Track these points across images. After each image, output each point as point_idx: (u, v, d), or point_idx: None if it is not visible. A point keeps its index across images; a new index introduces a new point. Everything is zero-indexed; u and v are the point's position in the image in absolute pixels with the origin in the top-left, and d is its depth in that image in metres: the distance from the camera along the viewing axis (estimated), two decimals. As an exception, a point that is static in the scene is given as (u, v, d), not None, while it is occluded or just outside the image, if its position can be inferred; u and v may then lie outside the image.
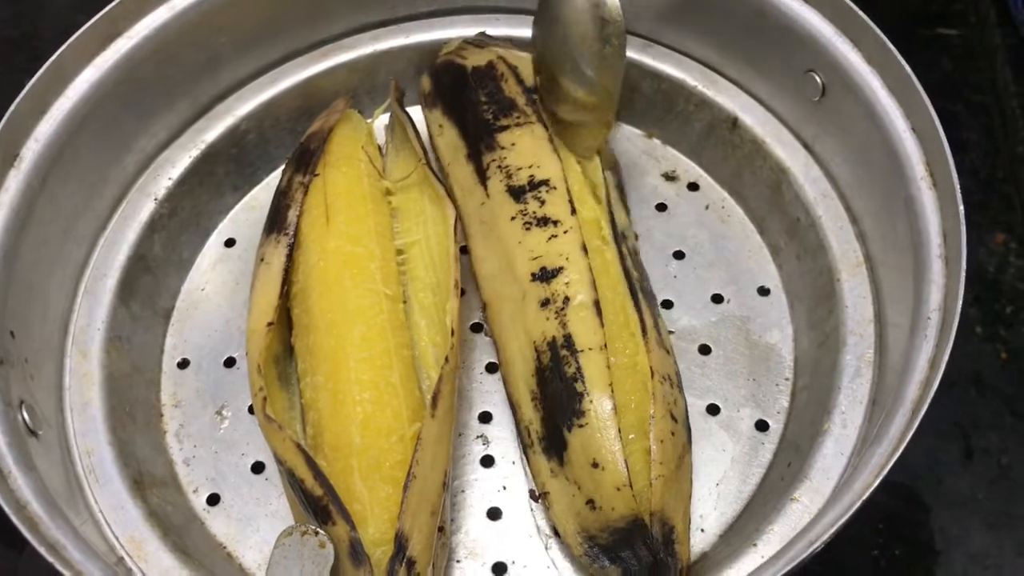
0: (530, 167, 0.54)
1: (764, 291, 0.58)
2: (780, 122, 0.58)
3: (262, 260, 0.53)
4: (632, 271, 0.53)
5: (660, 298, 0.57)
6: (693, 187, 0.62)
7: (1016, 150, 0.73)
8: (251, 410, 0.54)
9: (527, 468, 0.51)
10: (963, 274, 0.43)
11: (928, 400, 0.41)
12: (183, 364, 0.57)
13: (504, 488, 0.52)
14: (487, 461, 0.53)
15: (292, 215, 0.54)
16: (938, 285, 0.45)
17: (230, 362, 0.57)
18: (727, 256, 0.59)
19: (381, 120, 0.62)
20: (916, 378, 0.43)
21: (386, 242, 0.54)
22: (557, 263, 0.51)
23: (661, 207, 0.61)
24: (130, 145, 0.57)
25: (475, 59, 0.60)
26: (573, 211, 0.53)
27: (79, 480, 0.49)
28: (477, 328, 0.57)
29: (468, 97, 0.58)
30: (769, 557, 0.43)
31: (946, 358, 0.42)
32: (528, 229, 0.52)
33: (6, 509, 0.41)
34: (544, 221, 0.52)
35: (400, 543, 0.44)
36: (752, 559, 0.46)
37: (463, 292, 0.58)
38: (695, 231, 0.60)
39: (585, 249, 0.51)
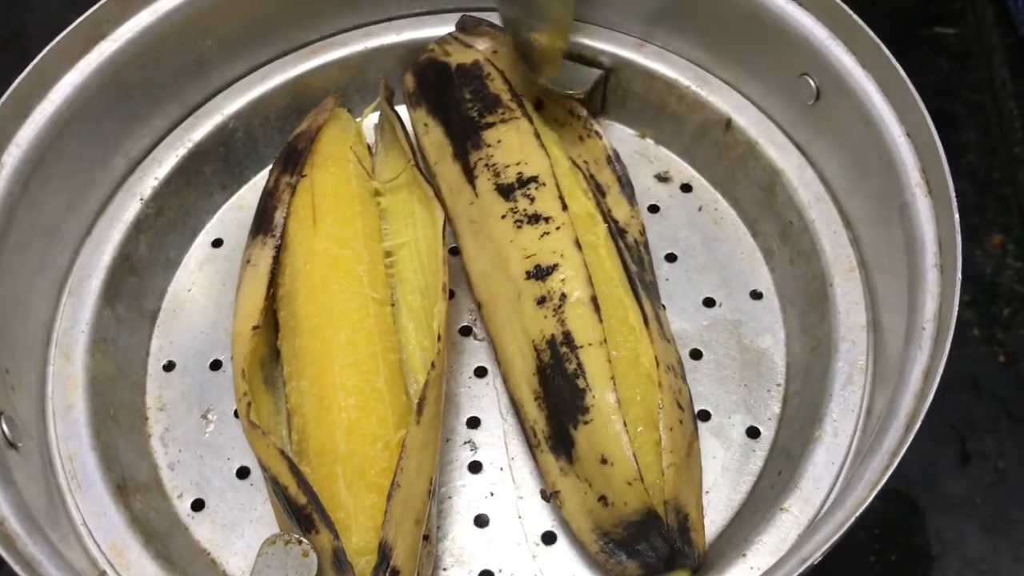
0: (518, 164, 0.54)
1: (757, 295, 0.57)
2: (774, 124, 0.58)
3: (248, 262, 0.52)
4: (631, 264, 0.52)
5: (652, 301, 0.57)
6: (686, 188, 0.61)
7: (1013, 151, 0.73)
8: (237, 414, 0.54)
9: (535, 467, 0.51)
10: (958, 284, 0.43)
11: (922, 413, 0.41)
12: (169, 367, 0.56)
13: (492, 495, 0.51)
14: (475, 467, 0.52)
15: (279, 216, 0.53)
16: (933, 295, 0.45)
17: (216, 365, 0.56)
18: (719, 259, 0.58)
19: (371, 119, 0.62)
20: (910, 390, 0.42)
21: (374, 244, 0.54)
22: (551, 260, 0.50)
23: (653, 208, 0.60)
24: (115, 148, 0.57)
25: (459, 56, 0.59)
26: (564, 207, 0.52)
27: (60, 488, 0.48)
28: (466, 331, 0.56)
29: (453, 95, 0.58)
30: (763, 572, 0.42)
31: (941, 370, 0.41)
32: (519, 227, 0.52)
33: (-18, 526, 0.41)
34: (535, 218, 0.52)
35: (384, 553, 0.43)
36: (741, 570, 0.45)
37: (452, 295, 0.57)
38: (687, 233, 0.59)
39: (579, 245, 0.50)
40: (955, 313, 0.42)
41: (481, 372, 0.55)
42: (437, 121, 0.58)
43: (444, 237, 0.52)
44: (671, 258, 0.58)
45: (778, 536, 0.46)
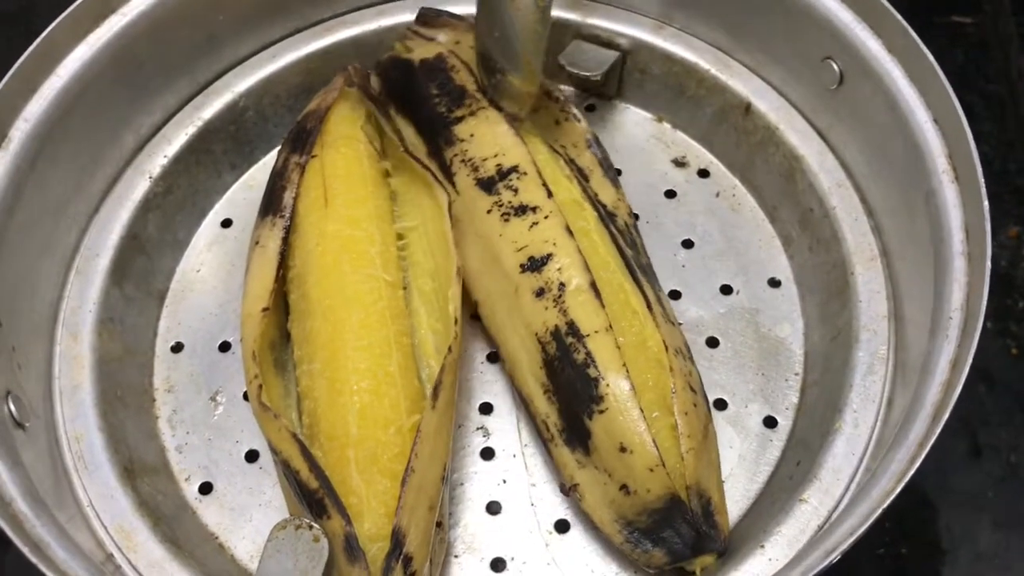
0: (495, 156, 0.53)
1: (775, 283, 0.56)
2: (795, 109, 0.57)
3: (257, 243, 0.52)
4: (625, 248, 0.52)
5: (667, 288, 0.56)
6: (703, 174, 0.60)
7: (1031, 141, 0.72)
8: (246, 396, 0.53)
9: (550, 457, 0.50)
10: (987, 272, 0.42)
11: (951, 404, 0.40)
12: (177, 348, 0.56)
13: (504, 482, 0.51)
14: (487, 454, 0.51)
15: (288, 197, 0.52)
16: (960, 283, 0.44)
17: (225, 346, 0.55)
18: (737, 246, 0.57)
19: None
20: (937, 380, 0.42)
21: (386, 226, 0.53)
22: (544, 250, 0.49)
23: (670, 194, 0.60)
24: (124, 125, 0.56)
25: (422, 51, 0.58)
26: (549, 194, 0.51)
27: (67, 470, 0.48)
28: (477, 316, 0.55)
29: (419, 92, 0.56)
30: (783, 564, 0.42)
31: (970, 360, 0.41)
32: (507, 220, 0.51)
33: (-10, 507, 0.40)
34: (522, 209, 0.51)
35: (397, 539, 0.43)
36: (759, 561, 0.45)
37: (462, 281, 0.56)
38: (704, 219, 0.58)
39: (570, 231, 0.49)
40: (984, 302, 0.41)
41: (493, 357, 0.54)
42: (407, 120, 0.57)
43: (450, 218, 0.51)
44: (688, 244, 0.58)
45: (796, 527, 0.45)
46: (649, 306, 0.49)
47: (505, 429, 0.52)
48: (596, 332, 0.47)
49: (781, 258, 0.57)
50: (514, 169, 0.52)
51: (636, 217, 0.58)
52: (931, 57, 0.48)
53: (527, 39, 0.51)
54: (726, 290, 0.56)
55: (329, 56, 0.61)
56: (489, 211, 0.52)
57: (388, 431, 0.46)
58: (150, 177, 0.57)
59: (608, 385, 0.46)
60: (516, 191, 0.51)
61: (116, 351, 0.53)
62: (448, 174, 0.54)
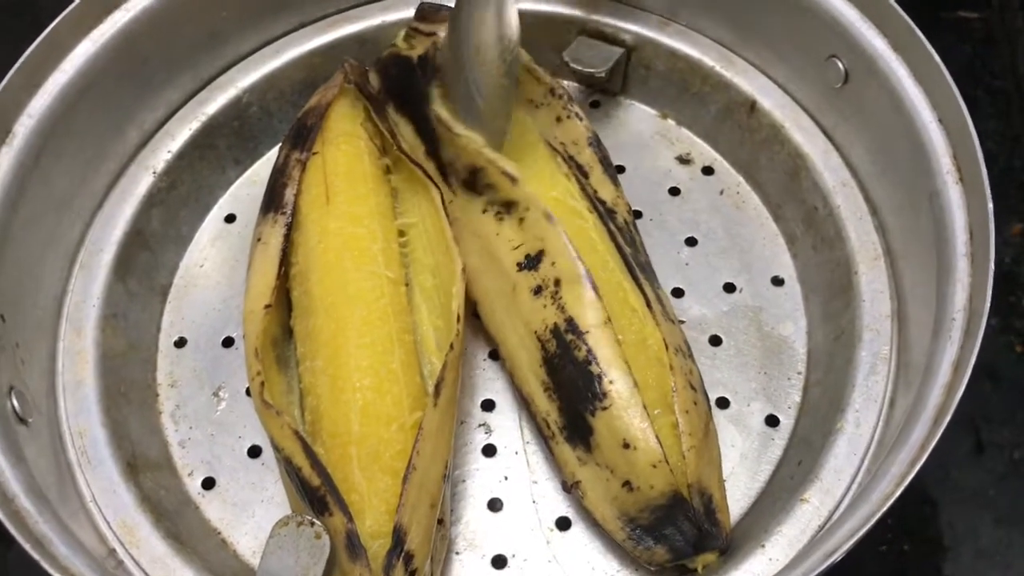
0: (459, 157, 0.53)
1: (778, 281, 0.56)
2: (800, 107, 0.57)
3: (259, 240, 0.52)
4: (624, 247, 0.51)
5: (670, 285, 0.56)
6: (708, 171, 0.60)
7: (1036, 138, 0.72)
8: (249, 392, 0.53)
9: (551, 455, 0.50)
10: (991, 273, 0.42)
11: (952, 406, 0.40)
12: (180, 343, 0.56)
13: (506, 479, 0.51)
14: (489, 450, 0.52)
15: (289, 194, 0.52)
16: (963, 284, 0.44)
17: (228, 341, 0.55)
18: (741, 244, 0.57)
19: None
20: (939, 382, 0.41)
21: (388, 223, 0.53)
22: (537, 246, 0.49)
23: (674, 191, 0.60)
24: (129, 120, 0.56)
25: (422, 48, 0.57)
26: (514, 180, 0.50)
27: (70, 465, 0.48)
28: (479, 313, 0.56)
29: (417, 90, 0.56)
30: (783, 565, 0.42)
31: (972, 362, 0.40)
32: (501, 219, 0.51)
33: (-7, 503, 0.40)
34: (508, 206, 0.51)
35: (398, 537, 0.43)
36: (759, 560, 0.45)
37: (466, 276, 0.56)
38: (708, 217, 0.58)
39: (549, 216, 0.49)
40: (988, 304, 0.41)
41: (495, 354, 0.54)
42: (406, 119, 0.56)
43: (446, 216, 0.51)
44: (691, 242, 0.58)
45: (797, 527, 0.45)
46: (648, 304, 0.49)
47: (507, 426, 0.52)
48: (596, 327, 0.47)
49: (785, 256, 0.57)
50: (475, 168, 0.52)
51: (637, 215, 0.57)
52: (936, 56, 0.48)
53: (491, 95, 0.51)
54: (729, 288, 0.56)
55: (333, 51, 0.61)
56: (485, 211, 0.52)
57: (390, 428, 0.46)
58: (154, 172, 0.57)
59: (611, 382, 0.46)
60: (494, 188, 0.51)
61: (119, 346, 0.53)
62: (444, 174, 0.54)
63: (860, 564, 0.60)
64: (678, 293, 0.56)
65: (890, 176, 0.51)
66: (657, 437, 0.45)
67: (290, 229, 0.51)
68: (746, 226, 0.58)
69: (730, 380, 0.53)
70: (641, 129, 0.61)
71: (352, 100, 0.57)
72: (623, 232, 0.53)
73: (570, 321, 0.47)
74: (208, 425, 0.53)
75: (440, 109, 0.54)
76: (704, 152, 0.61)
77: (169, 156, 0.57)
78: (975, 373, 0.65)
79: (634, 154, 0.61)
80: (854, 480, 0.46)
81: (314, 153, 0.53)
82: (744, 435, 0.51)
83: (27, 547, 0.39)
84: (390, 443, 0.46)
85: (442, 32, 0.58)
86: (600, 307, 0.47)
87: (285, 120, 0.60)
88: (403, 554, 0.43)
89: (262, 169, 0.61)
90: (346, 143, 0.54)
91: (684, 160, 0.60)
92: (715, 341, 0.54)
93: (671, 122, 0.62)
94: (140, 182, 0.56)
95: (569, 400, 0.47)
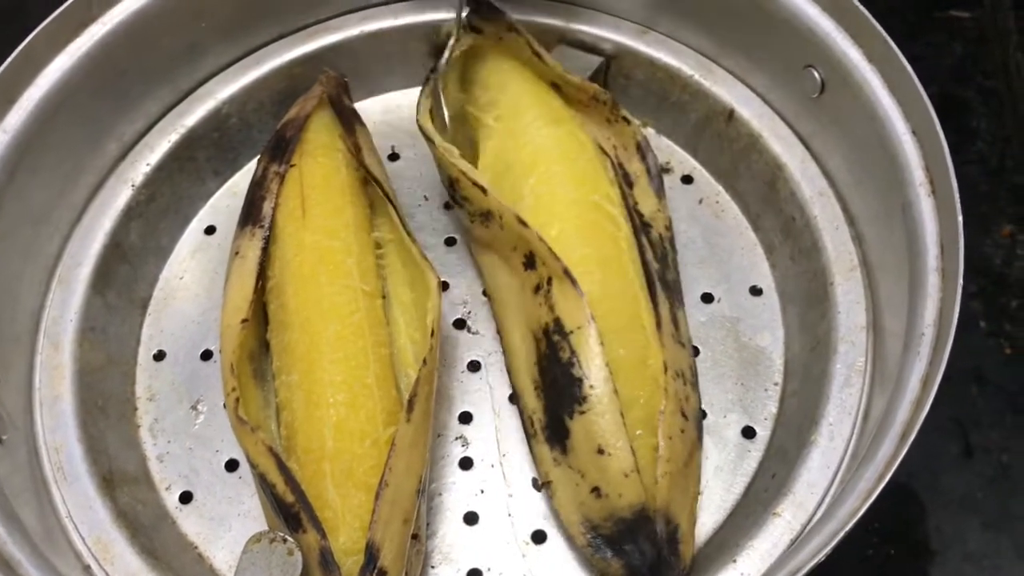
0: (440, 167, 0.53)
1: (756, 291, 0.56)
2: (778, 116, 0.56)
3: (237, 253, 0.52)
4: (652, 262, 0.51)
5: (649, 295, 0.56)
6: (687, 180, 0.60)
7: (1026, 140, 0.71)
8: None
9: (526, 464, 0.51)
10: (959, 290, 0.42)
11: (919, 423, 0.40)
12: (159, 356, 0.56)
13: (482, 492, 0.51)
14: (466, 463, 0.52)
15: (267, 207, 0.52)
16: (934, 299, 0.44)
17: (207, 354, 0.56)
18: (719, 253, 0.57)
19: (361, 105, 0.61)
20: (908, 397, 0.41)
21: (364, 235, 0.53)
22: (527, 248, 0.50)
23: (654, 200, 0.59)
24: (107, 133, 0.56)
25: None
26: (484, 191, 0.50)
27: (46, 481, 0.48)
28: (460, 324, 0.56)
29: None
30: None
31: (939, 378, 0.40)
32: (487, 226, 0.51)
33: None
34: (486, 216, 0.51)
35: (371, 553, 0.43)
36: (730, 574, 0.44)
37: (446, 286, 0.56)
38: (687, 226, 0.58)
39: (522, 221, 0.49)
40: (955, 320, 0.41)
41: (474, 366, 0.54)
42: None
43: (408, 233, 0.51)
44: (670, 251, 0.57)
45: (769, 542, 0.45)
46: (659, 324, 0.49)
47: (484, 439, 0.52)
48: (579, 328, 0.47)
49: (763, 266, 0.57)
50: (452, 180, 0.52)
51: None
52: (910, 68, 0.47)
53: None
54: (707, 298, 0.56)
55: (313, 62, 0.61)
56: (472, 221, 0.52)
57: (364, 444, 0.46)
58: (133, 185, 0.57)
59: (591, 387, 0.46)
60: (469, 200, 0.52)
61: (98, 360, 0.53)
62: None
63: (846, 569, 0.60)
64: (656, 303, 0.56)
65: (866, 186, 0.51)
66: (632, 450, 0.45)
67: (268, 242, 0.52)
68: (725, 236, 0.58)
69: (707, 391, 0.53)
70: (621, 137, 0.61)
71: (332, 112, 0.57)
72: (655, 247, 0.53)
73: (557, 321, 0.48)
74: (186, 439, 0.53)
75: (424, 120, 0.54)
76: (684, 161, 0.61)
77: (148, 168, 0.57)
78: (964, 376, 0.65)
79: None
80: (827, 494, 0.46)
81: (292, 165, 0.53)
82: (720, 447, 0.51)
83: (-4, 570, 0.39)
84: (364, 459, 0.46)
85: (488, 28, 0.56)
86: (583, 308, 0.47)
87: (265, 131, 0.60)
88: (376, 570, 0.43)
89: (242, 180, 0.61)
90: (323, 155, 0.54)
91: (664, 169, 0.60)
92: (693, 352, 0.54)
93: (651, 131, 0.61)
94: (119, 195, 0.56)
95: (552, 400, 0.48)
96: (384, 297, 0.52)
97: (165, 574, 0.47)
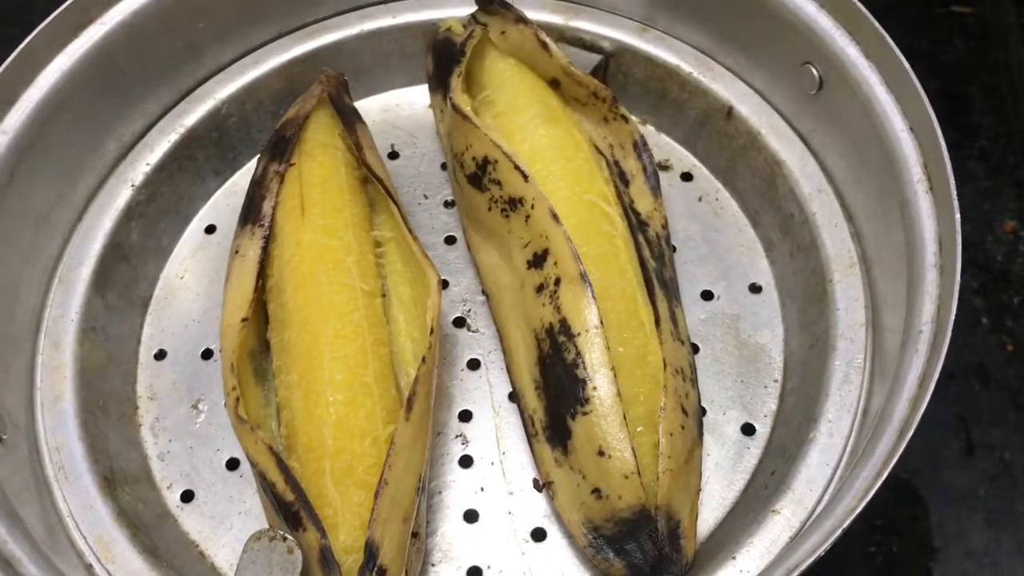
0: (467, 149, 0.52)
1: (756, 288, 0.56)
2: (777, 113, 0.56)
3: (237, 252, 0.52)
4: (649, 260, 0.51)
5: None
6: (687, 177, 0.60)
7: (1028, 136, 0.71)
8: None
9: (527, 462, 0.51)
10: (956, 287, 0.42)
11: (917, 420, 0.39)
12: (160, 355, 0.56)
13: (482, 490, 0.51)
14: (465, 462, 0.52)
15: (267, 206, 0.52)
16: (931, 296, 0.43)
17: (208, 353, 0.56)
18: (719, 251, 0.57)
19: (360, 104, 0.61)
20: (905, 396, 0.41)
21: (363, 233, 0.53)
22: (543, 245, 0.49)
23: (653, 197, 0.59)
24: (106, 134, 0.56)
25: (467, 34, 0.57)
26: (525, 177, 0.50)
27: (48, 481, 0.48)
28: (460, 323, 0.56)
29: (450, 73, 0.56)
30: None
31: (936, 376, 0.40)
32: (507, 216, 0.51)
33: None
34: (513, 203, 0.50)
35: (371, 552, 0.43)
36: (729, 571, 0.45)
37: (446, 285, 0.56)
38: (687, 223, 0.58)
39: (555, 216, 0.48)
40: (952, 317, 0.41)
41: (474, 364, 0.54)
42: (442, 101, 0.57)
43: (408, 231, 0.51)
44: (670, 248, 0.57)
45: (768, 539, 0.45)
46: (658, 321, 0.49)
47: (484, 437, 0.52)
48: (587, 331, 0.47)
49: (763, 263, 0.57)
50: (486, 160, 0.51)
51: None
52: (907, 64, 0.47)
53: None
54: (707, 295, 0.56)
55: (312, 61, 0.61)
56: (490, 208, 0.52)
57: (364, 442, 0.46)
58: (133, 185, 0.57)
59: (595, 388, 0.46)
60: (500, 184, 0.51)
61: (99, 360, 0.53)
62: (456, 166, 0.54)
63: (849, 565, 0.60)
64: (656, 301, 0.56)
65: (864, 183, 0.51)
66: (634, 451, 0.45)
67: (268, 241, 0.52)
68: (724, 233, 0.58)
69: (707, 389, 0.53)
70: (620, 135, 0.61)
71: (331, 111, 0.57)
72: (652, 245, 0.53)
73: (563, 322, 0.47)
74: (187, 438, 0.53)
75: (459, 97, 0.54)
76: (683, 158, 0.60)
77: (148, 168, 0.57)
78: (966, 373, 0.65)
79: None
80: (826, 491, 0.46)
81: (291, 164, 0.53)
82: (720, 444, 0.51)
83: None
84: (363, 457, 0.46)
85: (493, 24, 0.57)
86: (594, 311, 0.47)
87: (264, 130, 0.61)
88: (376, 568, 0.43)
89: (242, 179, 0.61)
90: (323, 154, 0.54)
91: (663, 166, 0.60)
92: (692, 349, 0.54)
93: (650, 128, 0.61)
94: (119, 195, 0.56)
95: (554, 401, 0.48)
96: (384, 295, 0.52)
97: (166, 573, 0.47)
